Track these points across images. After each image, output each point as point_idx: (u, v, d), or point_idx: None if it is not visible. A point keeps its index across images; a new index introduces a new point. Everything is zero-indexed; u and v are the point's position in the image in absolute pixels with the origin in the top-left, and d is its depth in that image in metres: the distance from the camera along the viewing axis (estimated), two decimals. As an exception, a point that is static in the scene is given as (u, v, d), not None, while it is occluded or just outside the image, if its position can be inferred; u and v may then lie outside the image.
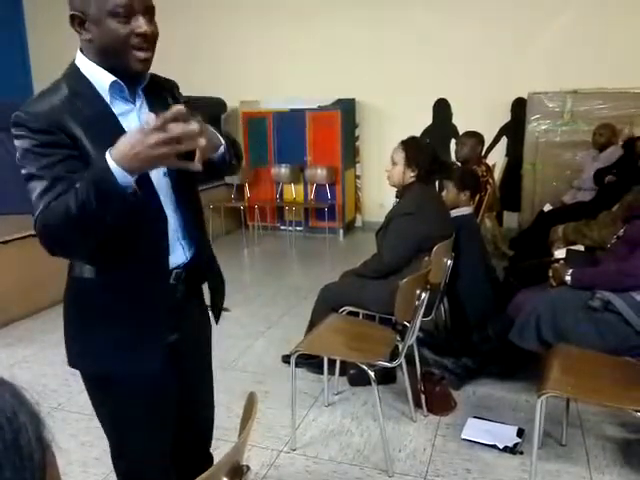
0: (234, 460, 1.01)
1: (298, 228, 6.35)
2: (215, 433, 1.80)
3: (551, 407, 2.44)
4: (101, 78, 1.26)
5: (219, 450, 2.07)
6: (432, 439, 2.44)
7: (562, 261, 2.83)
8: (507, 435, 2.40)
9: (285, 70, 6.39)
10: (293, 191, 6.34)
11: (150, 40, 1.23)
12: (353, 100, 6.34)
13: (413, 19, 5.94)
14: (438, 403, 2.63)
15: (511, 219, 5.87)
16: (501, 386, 2.83)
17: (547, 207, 4.89)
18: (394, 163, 2.78)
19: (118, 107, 1.29)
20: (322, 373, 2.76)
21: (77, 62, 1.29)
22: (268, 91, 6.37)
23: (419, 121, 6.08)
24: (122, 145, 1.07)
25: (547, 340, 2.36)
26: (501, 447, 2.33)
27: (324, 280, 3.18)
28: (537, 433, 2.03)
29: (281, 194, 6.40)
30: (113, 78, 1.26)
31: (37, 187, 1.20)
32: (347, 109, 6.19)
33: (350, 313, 2.78)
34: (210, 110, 6.00)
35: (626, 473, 2.19)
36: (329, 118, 6.01)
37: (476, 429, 2.45)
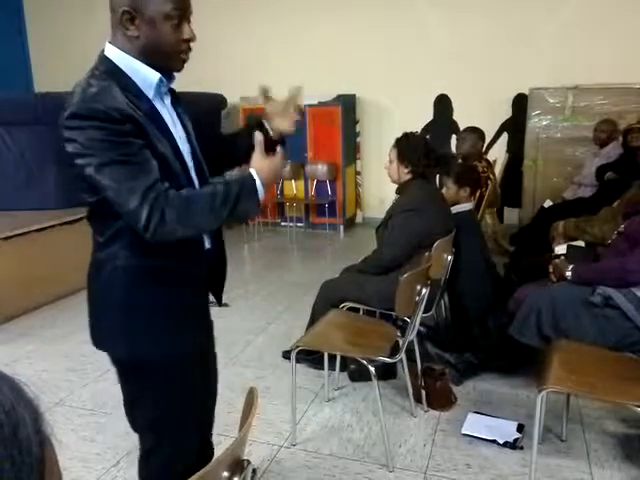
0: (235, 455, 1.01)
1: (299, 224, 6.35)
2: (216, 428, 1.81)
3: (551, 402, 2.44)
4: (146, 74, 1.31)
5: (220, 445, 2.08)
6: (432, 434, 2.44)
7: (563, 257, 2.83)
8: (507, 430, 2.41)
9: (285, 66, 6.37)
10: (294, 187, 6.33)
11: (191, 41, 1.33)
12: (354, 96, 6.32)
13: (414, 14, 5.92)
14: (438, 398, 2.63)
15: (512, 215, 5.86)
16: (501, 381, 2.84)
17: (548, 203, 4.88)
18: (391, 160, 2.82)
19: (155, 103, 1.35)
20: (322, 369, 2.76)
21: (111, 56, 1.31)
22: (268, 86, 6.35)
23: (420, 117, 6.06)
24: (264, 167, 1.36)
25: (547, 335, 2.36)
26: (501, 442, 2.33)
27: (325, 276, 3.19)
28: (537, 428, 2.04)
29: (282, 190, 6.39)
30: (159, 75, 1.32)
31: (123, 170, 1.21)
32: (348, 105, 6.18)
33: (351, 309, 2.78)
34: (210, 106, 5.99)
35: (626, 468, 2.19)
36: (330, 114, 6.00)
37: (476, 424, 2.46)
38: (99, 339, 1.48)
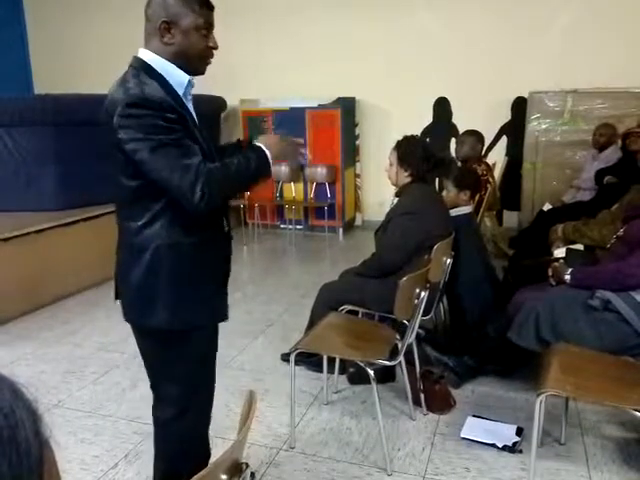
0: (233, 458, 1.01)
1: (298, 227, 6.35)
2: (214, 431, 1.81)
3: (550, 406, 2.44)
4: (177, 75, 1.51)
5: (218, 448, 2.08)
6: (431, 438, 2.44)
7: (562, 260, 2.83)
8: (506, 434, 2.40)
9: (285, 69, 6.38)
10: (293, 190, 6.33)
11: (215, 49, 1.55)
12: (353, 99, 6.33)
13: (414, 17, 5.93)
14: (437, 402, 2.63)
15: (511, 218, 5.87)
16: (500, 385, 2.83)
17: (547, 206, 4.89)
18: (390, 163, 2.82)
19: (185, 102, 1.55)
20: (321, 371, 2.76)
21: (146, 59, 1.49)
22: (268, 90, 6.37)
23: (419, 120, 6.07)
24: (273, 144, 1.55)
25: (546, 339, 2.36)
26: (500, 446, 2.33)
27: (324, 279, 3.19)
28: (536, 432, 2.03)
29: (281, 193, 6.39)
30: (188, 77, 1.53)
31: (176, 152, 1.40)
32: (347, 108, 6.18)
33: (350, 312, 2.78)
34: (210, 109, 6.00)
35: (625, 472, 2.19)
36: (329, 117, 6.01)
37: (475, 428, 2.45)
38: (140, 313, 1.60)
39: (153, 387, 1.74)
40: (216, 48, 1.53)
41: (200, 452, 1.77)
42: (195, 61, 1.51)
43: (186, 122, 1.47)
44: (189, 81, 1.54)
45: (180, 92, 1.51)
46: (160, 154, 1.38)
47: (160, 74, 1.48)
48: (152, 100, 1.39)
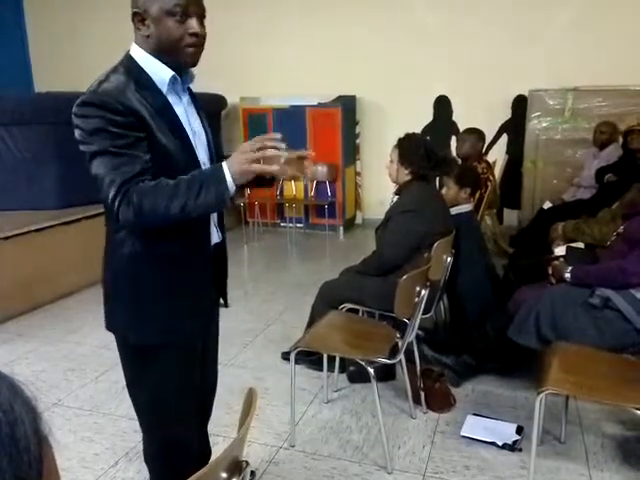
0: (233, 455, 1.01)
1: (298, 225, 6.35)
2: (214, 429, 1.81)
3: (550, 404, 2.44)
4: (160, 71, 1.41)
5: (218, 446, 2.09)
6: (431, 436, 2.44)
7: (562, 258, 2.83)
8: (506, 432, 2.40)
9: (285, 66, 6.38)
10: (293, 188, 6.33)
11: (200, 40, 1.40)
12: (354, 97, 6.32)
13: (414, 16, 5.92)
14: (437, 400, 2.63)
15: (511, 216, 5.86)
16: (500, 383, 2.84)
17: (547, 205, 4.89)
18: (391, 160, 2.82)
19: (170, 99, 1.44)
20: (322, 370, 2.76)
21: (133, 54, 1.42)
22: (268, 87, 6.36)
23: (420, 118, 6.06)
24: (234, 158, 1.30)
25: (546, 337, 2.36)
26: (500, 444, 2.33)
27: (324, 277, 3.18)
28: (536, 430, 2.04)
29: (281, 191, 6.39)
30: (172, 72, 1.42)
31: (112, 161, 1.30)
32: (348, 106, 6.18)
33: (350, 310, 2.78)
34: (210, 106, 6.00)
35: (625, 470, 2.19)
36: (329, 115, 6.00)
37: (475, 426, 2.46)
38: (108, 322, 1.56)
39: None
40: (199, 35, 1.39)
41: (181, 462, 1.66)
42: (174, 51, 1.38)
43: (146, 126, 1.34)
44: (174, 77, 1.42)
45: (164, 90, 1.41)
46: (96, 162, 1.31)
47: (143, 70, 1.40)
48: (103, 101, 1.30)
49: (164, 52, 1.39)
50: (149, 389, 1.58)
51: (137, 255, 1.44)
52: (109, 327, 1.56)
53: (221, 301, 1.80)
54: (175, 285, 1.49)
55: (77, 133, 1.33)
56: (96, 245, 4.37)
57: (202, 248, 1.55)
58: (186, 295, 1.52)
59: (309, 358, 2.94)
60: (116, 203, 1.28)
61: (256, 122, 6.29)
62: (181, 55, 1.39)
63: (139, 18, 1.38)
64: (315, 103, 6.04)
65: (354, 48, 6.14)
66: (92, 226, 4.44)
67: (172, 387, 1.58)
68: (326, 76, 6.20)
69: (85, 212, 4.47)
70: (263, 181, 1.69)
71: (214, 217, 1.59)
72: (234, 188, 1.30)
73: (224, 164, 1.30)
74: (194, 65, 1.44)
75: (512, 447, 2.31)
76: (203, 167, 1.48)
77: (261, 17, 6.40)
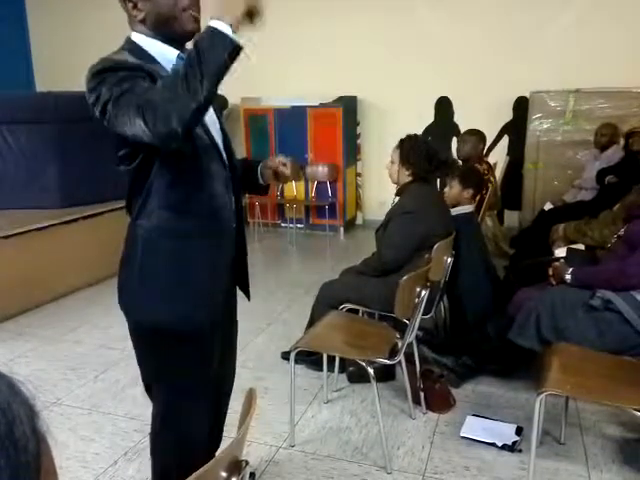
0: (233, 455, 1.01)
1: (299, 225, 6.35)
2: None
3: (550, 405, 2.44)
4: (165, 51, 1.40)
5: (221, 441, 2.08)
6: (431, 436, 2.44)
7: (562, 260, 2.82)
8: (506, 433, 2.40)
9: (286, 67, 6.38)
10: (294, 188, 6.33)
11: (196, 3, 1.38)
12: (355, 98, 6.32)
13: (415, 17, 5.92)
14: (437, 401, 2.63)
15: (512, 218, 5.86)
16: (500, 384, 2.83)
17: (548, 206, 4.89)
18: (392, 161, 2.82)
19: None
20: (321, 370, 2.76)
21: (135, 39, 1.41)
22: (269, 88, 6.36)
23: (421, 119, 6.06)
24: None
25: (547, 339, 2.35)
26: (500, 445, 2.33)
27: (324, 277, 3.18)
28: (536, 431, 2.03)
29: (282, 191, 6.39)
30: (177, 51, 1.40)
31: (133, 94, 1.24)
32: (349, 106, 6.18)
33: (350, 310, 2.78)
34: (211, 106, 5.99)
35: (624, 472, 2.19)
36: (330, 115, 6.00)
37: (475, 427, 2.45)
38: (124, 303, 1.54)
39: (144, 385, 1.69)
40: (189, 9, 1.36)
41: (193, 460, 1.67)
42: (174, 20, 1.36)
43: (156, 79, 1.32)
44: (179, 56, 1.40)
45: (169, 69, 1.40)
46: (121, 105, 1.24)
47: (146, 52, 1.39)
48: (113, 63, 1.30)
49: (165, 25, 1.38)
50: (165, 378, 1.58)
51: (158, 231, 1.43)
52: (122, 306, 1.55)
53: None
54: (192, 265, 1.48)
55: (95, 105, 1.28)
56: (96, 245, 4.39)
57: (224, 227, 1.53)
58: (203, 276, 1.50)
59: (309, 358, 2.94)
60: (140, 114, 1.19)
61: (257, 122, 6.29)
62: (182, 20, 1.37)
63: (131, 5, 1.37)
64: (316, 104, 6.04)
65: (355, 48, 6.14)
66: (92, 226, 4.45)
67: (190, 373, 1.57)
68: (327, 77, 6.20)
69: (85, 212, 4.47)
70: (259, 187, 1.73)
71: (232, 203, 1.56)
72: (228, 27, 1.21)
73: (212, 20, 1.22)
74: (199, 29, 1.39)
75: (512, 448, 2.31)
76: (221, 149, 1.51)
77: (262, 17, 6.38)
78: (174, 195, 1.42)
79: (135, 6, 1.36)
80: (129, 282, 1.50)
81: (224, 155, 1.53)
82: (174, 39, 1.40)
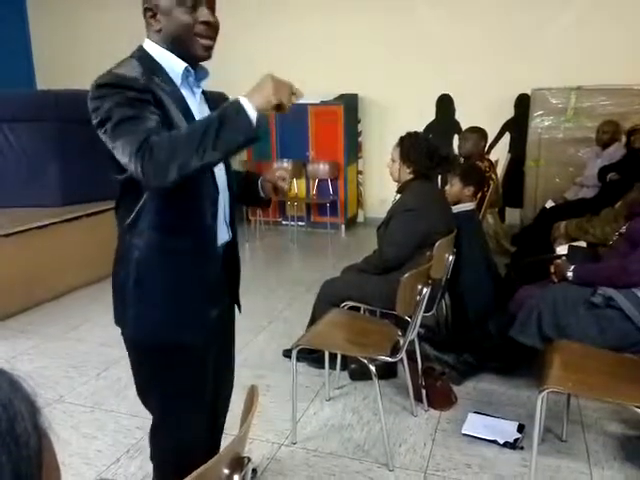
0: (235, 452, 1.01)
1: (300, 223, 6.34)
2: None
3: (552, 403, 2.44)
4: (174, 63, 1.41)
5: (221, 442, 2.08)
6: (432, 434, 2.44)
7: (564, 257, 2.82)
8: (507, 430, 2.40)
9: (287, 64, 6.35)
10: (295, 186, 6.33)
11: (212, 29, 1.39)
12: (356, 95, 6.32)
13: (416, 14, 5.91)
14: (439, 398, 2.63)
15: (513, 215, 5.85)
16: (502, 382, 2.83)
17: (549, 203, 4.88)
18: (393, 159, 2.81)
19: (184, 92, 1.44)
20: (323, 367, 2.76)
21: (146, 47, 1.42)
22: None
23: (422, 116, 6.06)
24: (252, 89, 1.28)
25: (548, 336, 2.35)
26: (501, 442, 2.33)
27: (325, 275, 3.19)
28: (537, 429, 2.03)
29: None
30: (185, 64, 1.41)
31: (132, 127, 1.24)
32: (350, 104, 6.17)
33: (351, 308, 2.78)
34: (213, 105, 5.99)
35: (626, 469, 2.19)
36: (332, 113, 5.99)
37: (476, 424, 2.46)
38: (116, 317, 1.54)
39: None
40: (209, 23, 1.37)
41: (192, 459, 1.65)
42: (186, 42, 1.38)
43: (162, 107, 1.32)
44: (187, 70, 1.42)
45: (177, 82, 1.41)
46: (119, 130, 1.25)
47: (156, 61, 1.40)
48: (119, 79, 1.29)
49: (177, 44, 1.39)
50: (158, 393, 1.57)
51: (149, 250, 1.42)
52: (117, 322, 1.55)
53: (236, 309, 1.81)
54: (184, 282, 1.47)
55: (94, 116, 1.29)
56: (97, 243, 4.40)
57: (209, 245, 1.51)
58: (195, 293, 1.49)
59: (311, 356, 2.94)
60: (139, 156, 1.20)
61: (258, 121, 6.26)
62: (193, 45, 1.38)
63: (150, 14, 1.38)
64: (317, 101, 6.03)
65: (356, 46, 6.13)
66: (93, 224, 4.45)
67: (181, 388, 1.56)
68: (328, 74, 6.19)
69: (86, 210, 4.47)
70: (261, 201, 1.74)
71: (226, 214, 1.56)
72: (255, 115, 1.24)
73: (241, 97, 1.25)
74: (208, 57, 1.43)
75: (513, 445, 2.31)
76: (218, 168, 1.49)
77: (262, 15, 6.39)
78: (166, 217, 1.41)
79: (154, 16, 1.38)
80: (123, 299, 1.49)
81: (217, 174, 1.50)
82: (184, 57, 1.42)
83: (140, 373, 1.59)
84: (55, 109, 4.50)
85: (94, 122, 1.30)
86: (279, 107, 1.30)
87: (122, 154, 1.25)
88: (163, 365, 1.51)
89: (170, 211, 1.41)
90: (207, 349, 1.59)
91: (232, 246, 1.65)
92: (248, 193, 1.73)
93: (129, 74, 1.31)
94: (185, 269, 1.46)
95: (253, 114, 1.23)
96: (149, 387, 1.59)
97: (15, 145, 4.57)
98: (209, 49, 1.41)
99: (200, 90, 1.52)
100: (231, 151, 1.28)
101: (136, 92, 1.28)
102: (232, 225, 1.61)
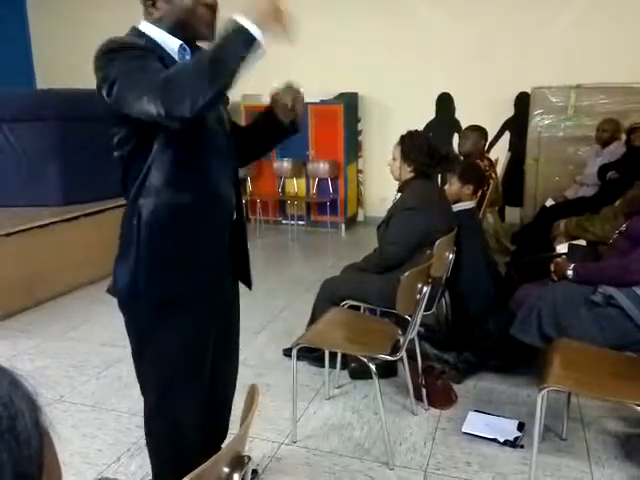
0: (235, 451, 1.01)
1: (300, 222, 6.35)
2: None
3: (552, 401, 2.44)
4: (170, 41, 1.43)
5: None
6: (433, 432, 2.44)
7: (564, 256, 2.82)
8: (508, 429, 2.40)
9: (287, 64, 6.36)
10: (295, 185, 6.33)
11: (213, 9, 1.42)
12: (356, 94, 6.32)
13: (416, 13, 5.91)
14: (439, 397, 2.63)
15: (513, 214, 5.86)
16: (502, 380, 2.84)
17: (549, 202, 4.88)
18: (394, 158, 2.81)
19: None
20: (323, 366, 2.76)
21: (142, 29, 1.43)
22: (270, 85, 6.33)
23: (422, 115, 6.06)
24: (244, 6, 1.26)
25: (548, 335, 2.36)
26: (502, 441, 2.33)
27: (326, 274, 3.19)
28: (538, 427, 2.03)
29: (283, 188, 6.39)
30: (180, 42, 1.43)
31: (142, 77, 1.27)
32: (350, 103, 6.17)
33: (351, 307, 2.78)
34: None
35: (626, 467, 2.19)
36: (332, 112, 5.99)
37: (477, 423, 2.46)
38: (119, 280, 1.54)
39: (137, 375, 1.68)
40: (211, 5, 1.41)
41: (188, 443, 1.65)
42: (190, 26, 1.40)
43: (166, 66, 1.35)
44: (182, 46, 1.44)
45: (176, 59, 1.44)
46: (128, 82, 1.28)
47: (151, 37, 1.42)
48: (120, 41, 1.34)
49: (180, 28, 1.41)
50: (158, 359, 1.58)
51: (165, 206, 1.45)
52: (119, 285, 1.54)
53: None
54: (192, 238, 1.50)
55: (103, 83, 1.31)
56: (98, 242, 4.40)
57: (226, 211, 1.57)
58: (203, 251, 1.53)
59: (311, 355, 2.94)
60: (158, 94, 1.22)
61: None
62: (197, 27, 1.41)
63: (150, 2, 1.40)
64: (317, 100, 6.02)
65: (356, 45, 6.12)
66: (94, 223, 4.45)
67: (182, 358, 1.57)
68: (328, 73, 6.18)
69: (87, 209, 4.47)
70: (284, 129, 1.80)
71: (232, 198, 1.61)
72: (254, 27, 1.27)
73: (237, 16, 1.27)
74: (213, 37, 1.43)
75: (513, 444, 2.32)
76: (225, 122, 1.59)
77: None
78: (176, 173, 1.44)
79: (153, 4, 1.40)
80: (126, 256, 1.50)
81: (227, 129, 1.59)
82: (187, 40, 1.44)
83: (143, 337, 1.58)
84: (55, 108, 4.50)
85: (103, 91, 1.31)
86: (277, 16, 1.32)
87: (137, 101, 1.24)
88: (168, 321, 1.53)
89: (180, 167, 1.44)
90: (210, 304, 1.61)
91: (238, 227, 1.67)
92: (270, 128, 1.79)
93: (130, 40, 1.36)
94: (193, 223, 1.50)
95: (252, 26, 1.25)
96: (150, 357, 1.59)
97: (16, 145, 4.57)
98: (213, 29, 1.43)
99: None
100: (239, 65, 1.27)
101: (139, 50, 1.32)
102: (239, 208, 1.65)
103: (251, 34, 1.25)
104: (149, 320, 1.55)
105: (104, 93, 1.31)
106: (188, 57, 1.47)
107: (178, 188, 1.46)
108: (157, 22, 1.41)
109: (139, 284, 1.50)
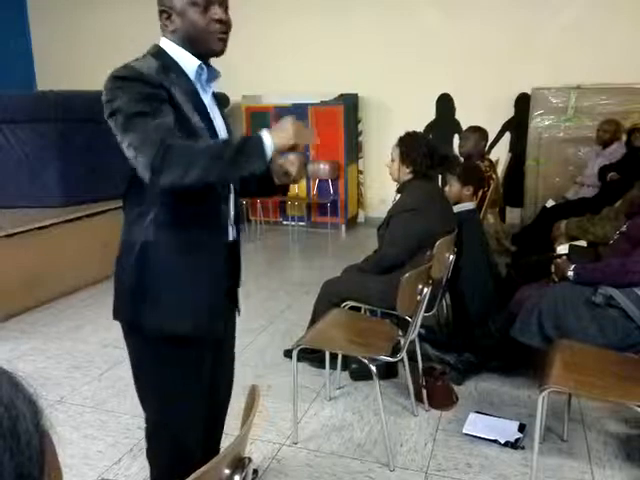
0: (236, 452, 1.01)
1: (300, 223, 6.35)
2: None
3: (553, 402, 2.44)
4: (188, 60, 1.46)
5: (221, 443, 2.08)
6: (433, 434, 2.44)
7: (565, 257, 2.82)
8: (508, 430, 2.40)
9: (288, 65, 6.37)
10: (296, 186, 6.32)
11: (226, 26, 1.46)
12: (356, 95, 6.32)
13: (416, 13, 5.91)
14: (440, 398, 2.63)
15: (514, 215, 5.85)
16: (503, 381, 2.83)
17: (550, 203, 4.88)
18: (392, 159, 2.81)
19: (196, 87, 1.49)
20: (324, 367, 2.76)
21: (162, 45, 1.47)
22: (270, 86, 6.36)
23: (422, 116, 6.06)
24: (275, 127, 1.36)
25: (549, 336, 2.35)
26: (502, 442, 2.33)
27: (326, 275, 3.18)
28: (538, 428, 2.03)
29: (283, 189, 6.38)
30: (199, 62, 1.46)
31: (148, 123, 1.28)
32: (350, 104, 6.17)
33: (352, 308, 2.78)
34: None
35: (627, 468, 2.19)
36: (332, 113, 5.99)
37: (477, 424, 2.46)
38: (123, 311, 1.54)
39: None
40: (222, 21, 1.44)
41: (189, 459, 1.64)
42: (202, 41, 1.43)
43: (175, 103, 1.37)
44: (200, 67, 1.46)
45: (191, 77, 1.46)
46: (130, 125, 1.28)
47: (171, 57, 1.45)
48: (135, 73, 1.33)
49: (192, 42, 1.44)
50: (157, 388, 1.58)
51: (161, 244, 1.44)
52: (119, 317, 1.55)
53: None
54: (193, 272, 1.49)
55: (107, 106, 1.32)
56: (99, 243, 4.39)
57: (217, 242, 1.54)
58: (203, 283, 1.51)
59: (311, 356, 2.94)
60: (157, 159, 1.24)
61: (258, 121, 6.28)
62: (209, 43, 1.44)
63: (165, 15, 1.43)
64: (317, 101, 6.03)
65: (356, 46, 6.13)
66: (95, 224, 4.45)
67: (181, 384, 1.56)
68: (328, 74, 6.19)
69: (88, 210, 4.48)
70: (273, 187, 1.70)
71: (231, 215, 1.59)
72: (271, 152, 1.33)
73: (263, 131, 1.33)
74: (222, 52, 1.48)
75: (514, 445, 2.31)
76: None
77: (263, 15, 6.38)
78: (179, 211, 1.43)
79: (169, 18, 1.43)
80: (135, 290, 1.49)
81: None
82: (200, 55, 1.46)
83: (143, 366, 1.59)
84: (55, 110, 4.50)
85: (106, 112, 1.33)
86: (294, 147, 1.42)
87: (129, 148, 1.28)
88: (169, 355, 1.52)
89: (184, 206, 1.43)
90: (209, 345, 1.61)
91: (234, 245, 1.65)
92: (260, 180, 1.70)
93: (145, 70, 1.35)
94: (192, 262, 1.48)
95: (270, 151, 1.32)
96: (151, 382, 1.59)
97: (16, 146, 4.58)
98: (223, 44, 1.46)
99: (211, 90, 1.55)
100: (240, 176, 1.35)
101: (151, 88, 1.33)
102: (237, 225, 1.64)
103: (265, 158, 1.32)
104: (148, 351, 1.56)
105: (105, 113, 1.34)
106: (204, 77, 1.49)
107: (178, 227, 1.45)
108: (173, 36, 1.45)
109: (137, 320, 1.50)
